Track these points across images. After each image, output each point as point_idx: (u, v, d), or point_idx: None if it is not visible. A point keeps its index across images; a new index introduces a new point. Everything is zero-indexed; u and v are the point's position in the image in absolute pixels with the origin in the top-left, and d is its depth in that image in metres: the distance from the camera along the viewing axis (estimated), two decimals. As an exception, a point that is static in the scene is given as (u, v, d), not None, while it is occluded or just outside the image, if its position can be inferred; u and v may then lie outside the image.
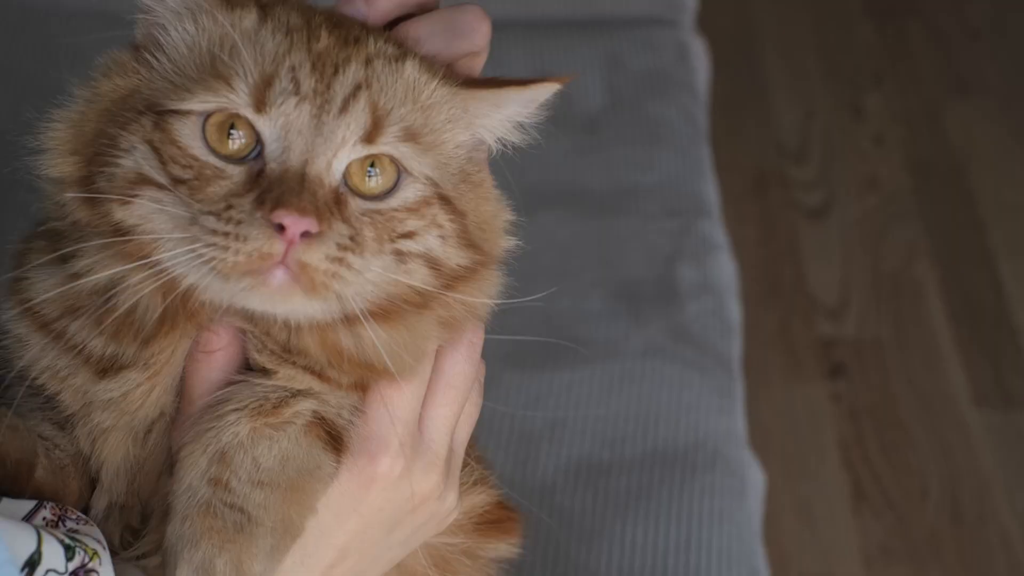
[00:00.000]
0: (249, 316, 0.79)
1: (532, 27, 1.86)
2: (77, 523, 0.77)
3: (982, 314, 2.46)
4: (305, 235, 0.73)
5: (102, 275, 0.76)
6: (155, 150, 0.76)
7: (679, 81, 1.84)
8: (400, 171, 0.77)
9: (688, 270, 1.60)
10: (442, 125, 0.80)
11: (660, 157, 1.73)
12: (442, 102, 0.80)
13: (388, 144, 0.77)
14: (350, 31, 0.79)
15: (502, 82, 0.81)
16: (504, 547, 0.94)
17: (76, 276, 0.77)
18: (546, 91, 0.81)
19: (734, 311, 1.62)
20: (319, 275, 0.74)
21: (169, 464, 0.80)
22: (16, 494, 0.77)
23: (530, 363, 1.45)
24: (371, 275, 0.76)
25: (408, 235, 0.77)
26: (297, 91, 0.75)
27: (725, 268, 1.64)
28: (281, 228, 0.72)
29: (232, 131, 0.75)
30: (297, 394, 0.79)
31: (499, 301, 0.83)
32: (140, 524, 0.83)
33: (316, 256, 0.73)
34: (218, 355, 0.79)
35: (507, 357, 1.43)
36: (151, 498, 0.82)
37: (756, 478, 1.47)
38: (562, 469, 1.37)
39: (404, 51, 0.80)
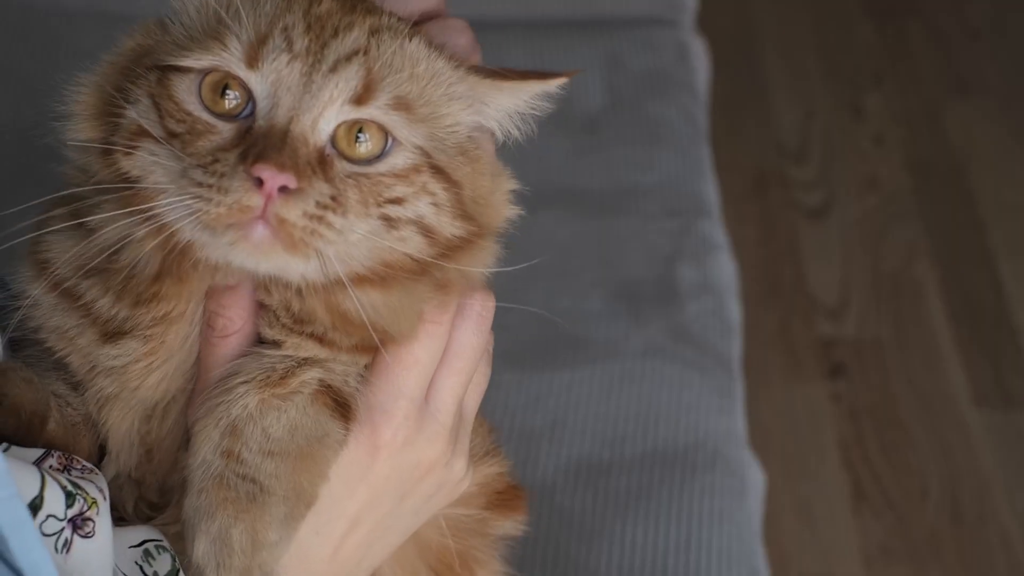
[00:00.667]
0: (261, 284, 0.80)
1: (532, 27, 1.86)
2: (83, 472, 0.79)
3: (982, 314, 2.46)
4: (284, 190, 0.74)
5: (112, 228, 0.78)
6: (155, 104, 0.78)
7: (679, 81, 1.84)
8: (389, 138, 0.78)
9: (688, 270, 1.60)
10: (441, 100, 0.81)
11: (660, 157, 1.73)
12: (444, 79, 0.81)
13: (378, 109, 0.78)
14: (361, 1, 0.81)
15: (512, 74, 0.82)
16: (511, 524, 0.95)
17: (91, 234, 0.79)
18: (553, 86, 0.82)
19: (734, 311, 1.62)
20: (297, 231, 0.75)
21: (186, 440, 0.81)
22: (29, 445, 0.79)
23: (530, 363, 1.45)
24: (355, 237, 0.77)
25: (396, 200, 0.78)
26: (290, 49, 0.77)
27: (725, 268, 1.64)
28: (260, 182, 0.74)
29: (227, 91, 0.77)
30: (303, 363, 0.80)
31: (494, 268, 0.84)
32: (159, 498, 0.84)
33: (294, 212, 0.74)
34: (232, 338, 0.80)
35: (507, 357, 1.43)
36: (171, 475, 0.84)
37: (756, 478, 1.47)
38: (562, 469, 1.37)
39: (415, 31, 0.82)
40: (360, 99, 0.77)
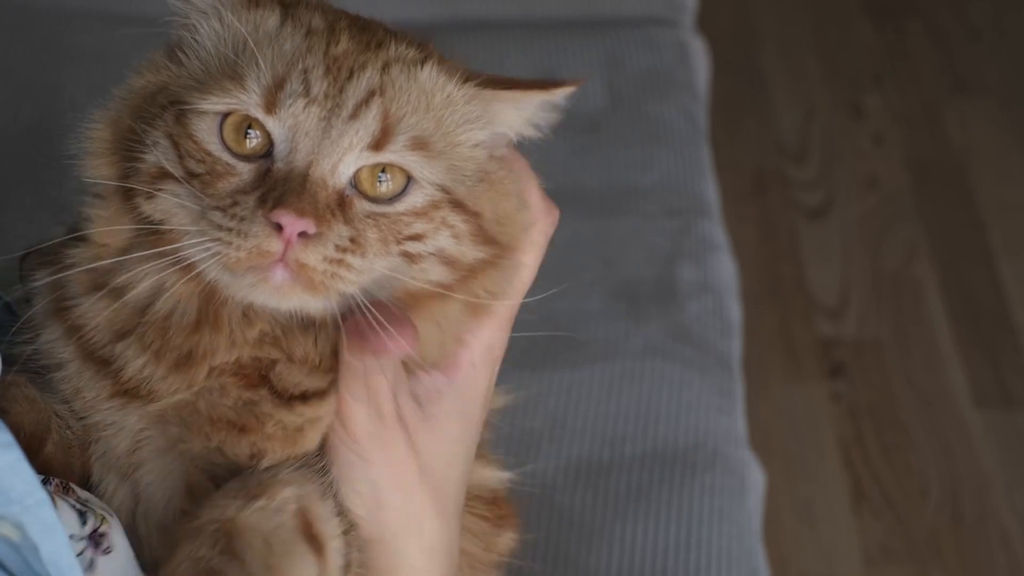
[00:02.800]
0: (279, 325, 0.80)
1: (532, 27, 1.86)
2: (79, 499, 0.78)
3: (982, 314, 2.46)
4: (303, 235, 0.74)
5: (144, 282, 0.78)
6: (175, 144, 0.78)
7: (679, 81, 1.84)
8: (409, 178, 0.78)
9: (688, 270, 1.60)
10: (457, 127, 0.81)
11: (660, 157, 1.73)
12: (458, 104, 0.81)
13: (395, 153, 0.78)
14: (373, 35, 0.81)
15: (521, 84, 0.82)
16: (508, 539, 0.95)
17: (120, 292, 0.79)
18: (563, 93, 0.83)
19: (734, 311, 1.62)
20: (317, 275, 0.75)
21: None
22: None
23: (530, 363, 1.45)
24: (376, 275, 0.77)
25: (415, 237, 0.78)
26: (307, 93, 0.76)
27: (725, 268, 1.64)
28: (279, 227, 0.74)
29: (249, 131, 0.77)
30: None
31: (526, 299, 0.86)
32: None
33: (313, 257, 0.75)
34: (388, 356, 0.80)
35: (506, 357, 1.43)
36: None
37: (756, 478, 1.47)
38: (562, 469, 1.37)
39: (425, 54, 0.81)
40: (379, 144, 0.77)
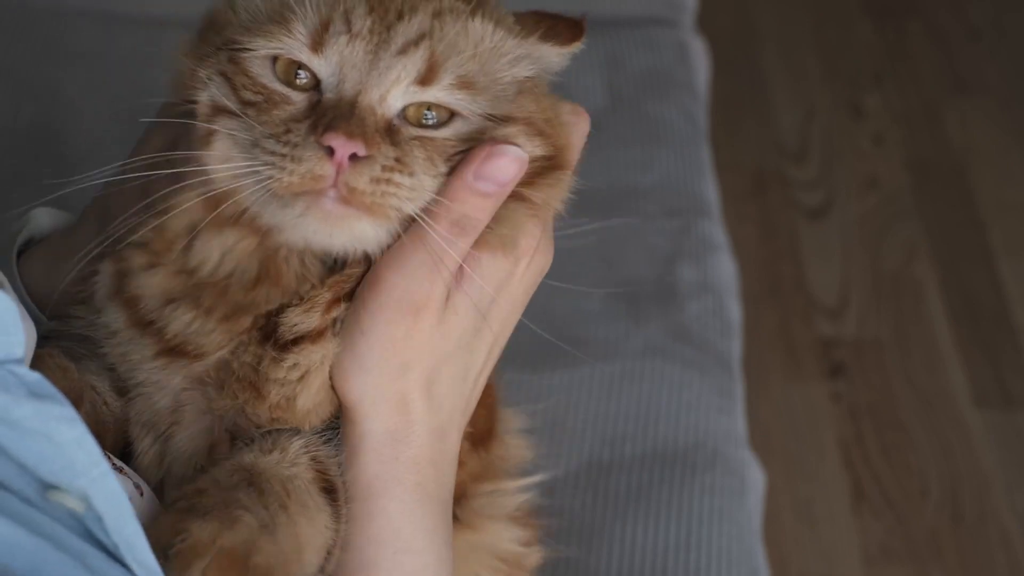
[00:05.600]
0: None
1: (532, 27, 1.86)
2: (115, 463, 0.80)
3: (982, 314, 2.46)
4: (353, 158, 0.76)
5: (213, 251, 0.81)
6: (227, 79, 0.81)
7: (679, 81, 1.84)
8: (454, 113, 0.81)
9: (688, 270, 1.60)
10: (503, 66, 0.84)
11: (660, 157, 1.73)
12: (506, 49, 0.84)
13: (442, 91, 0.80)
14: None
15: (563, 33, 0.88)
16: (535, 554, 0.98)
17: (181, 265, 0.83)
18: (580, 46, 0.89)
19: (734, 311, 1.61)
20: (367, 197, 0.77)
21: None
22: None
23: (530, 363, 1.45)
24: (428, 196, 0.80)
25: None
26: (349, 30, 0.79)
27: (725, 268, 1.64)
28: (331, 151, 0.76)
29: (299, 71, 0.80)
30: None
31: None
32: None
33: (362, 180, 0.77)
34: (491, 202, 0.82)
35: (506, 357, 1.43)
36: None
37: (756, 478, 1.47)
38: (562, 469, 1.37)
39: (477, 5, 0.84)
40: (425, 80, 0.80)
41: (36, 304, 0.94)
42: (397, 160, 0.78)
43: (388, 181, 0.77)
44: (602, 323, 1.52)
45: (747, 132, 2.78)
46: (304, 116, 0.78)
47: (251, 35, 0.81)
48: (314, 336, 0.82)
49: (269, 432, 0.82)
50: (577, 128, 0.89)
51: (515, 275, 0.86)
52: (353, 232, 0.79)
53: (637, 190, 1.68)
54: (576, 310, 1.53)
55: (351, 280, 0.83)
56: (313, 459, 0.81)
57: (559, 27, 0.88)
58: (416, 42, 0.80)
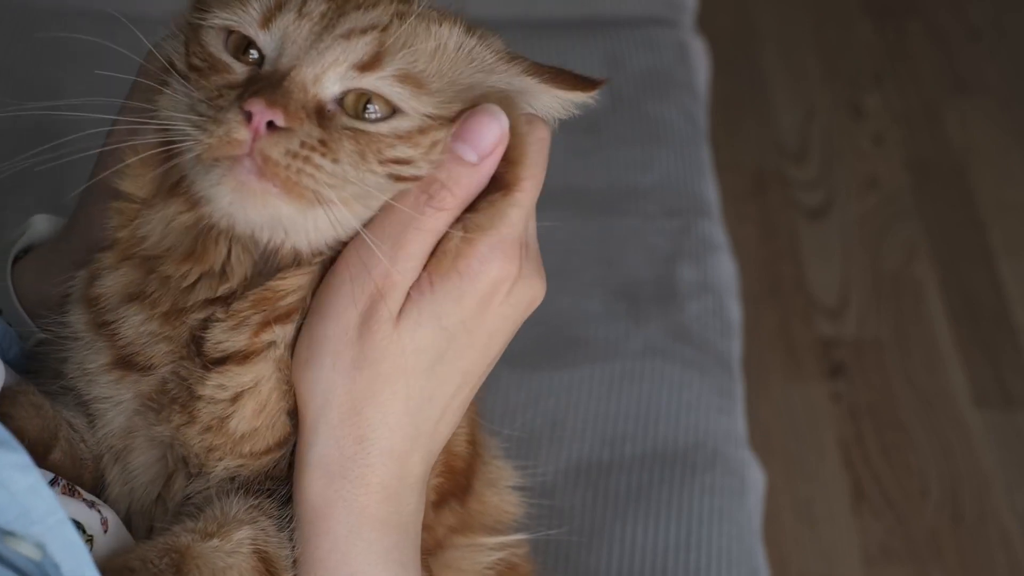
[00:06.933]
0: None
1: (532, 27, 1.86)
2: (86, 503, 0.79)
3: (982, 314, 2.46)
4: (272, 127, 0.74)
5: (157, 224, 0.80)
6: (185, 43, 0.81)
7: (679, 81, 1.84)
8: (394, 108, 0.79)
9: (688, 270, 1.60)
10: (468, 73, 0.81)
11: (660, 157, 1.73)
12: (480, 59, 0.82)
13: (382, 80, 0.78)
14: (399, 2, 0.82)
15: (556, 77, 0.84)
16: None
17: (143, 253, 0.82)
18: (583, 96, 0.86)
19: (734, 311, 1.61)
20: (280, 170, 0.75)
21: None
22: None
23: (530, 363, 1.45)
24: (360, 189, 0.77)
25: (400, 161, 0.78)
26: (300, 11, 0.78)
27: (725, 268, 1.64)
28: (250, 116, 0.74)
29: (249, 49, 0.80)
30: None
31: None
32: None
33: (277, 149, 0.75)
34: (443, 215, 0.79)
35: (507, 357, 1.43)
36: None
37: (756, 478, 1.47)
38: (562, 469, 1.37)
39: (455, 18, 0.83)
40: (365, 67, 0.78)
41: (28, 314, 0.92)
42: (321, 142, 0.75)
43: (306, 159, 0.75)
44: (602, 323, 1.53)
45: (747, 132, 2.78)
46: (240, 86, 0.77)
47: (213, 11, 0.81)
48: (240, 358, 0.79)
49: (218, 501, 0.79)
50: (532, 138, 0.82)
51: (488, 306, 0.81)
52: (267, 210, 0.76)
53: (637, 190, 1.68)
54: (576, 310, 1.53)
55: (277, 297, 0.80)
56: (257, 551, 0.77)
57: (569, 78, 0.85)
58: (364, 30, 0.78)
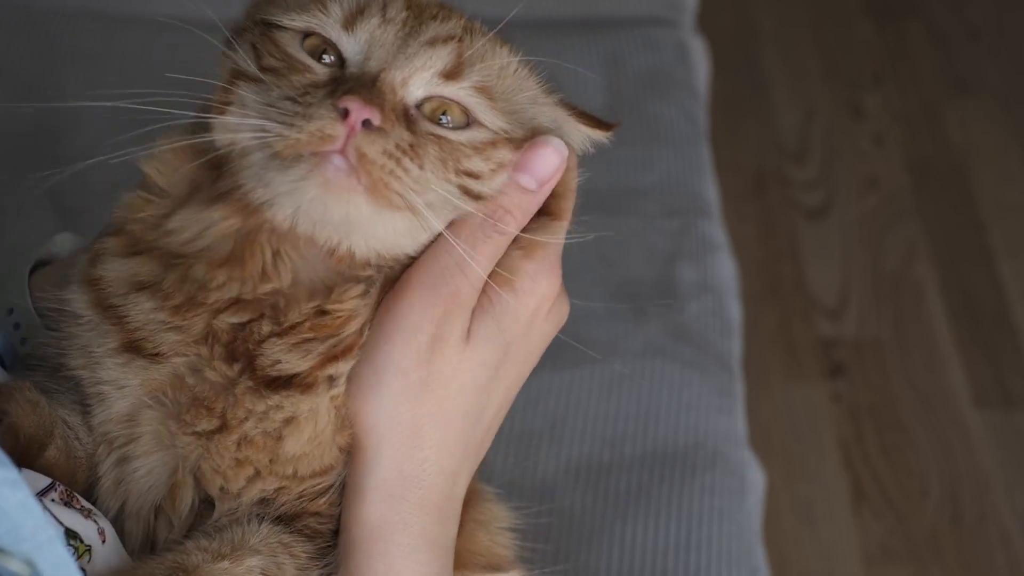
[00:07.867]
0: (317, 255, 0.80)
1: (532, 27, 1.86)
2: (82, 512, 0.79)
3: (982, 314, 2.46)
4: (367, 126, 0.75)
5: (194, 226, 0.80)
6: (254, 49, 0.80)
7: (679, 81, 1.84)
8: (470, 119, 0.81)
9: (688, 270, 1.60)
10: (523, 102, 0.84)
11: (660, 157, 1.73)
12: (527, 88, 0.84)
13: (464, 90, 0.80)
14: (463, 16, 0.85)
15: (586, 118, 0.87)
16: None
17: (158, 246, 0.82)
18: (602, 135, 0.89)
19: (734, 311, 1.61)
20: (376, 169, 0.75)
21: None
22: (24, 467, 0.78)
23: (530, 363, 1.45)
24: (435, 196, 0.78)
25: (472, 175, 0.80)
26: (383, 16, 0.80)
27: (725, 268, 1.64)
28: (346, 113, 0.75)
29: (324, 54, 0.80)
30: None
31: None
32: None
33: (374, 148, 0.75)
34: (500, 239, 0.83)
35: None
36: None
37: (756, 478, 1.47)
38: (562, 469, 1.37)
39: (508, 44, 0.85)
40: (450, 74, 0.80)
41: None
42: (411, 146, 0.77)
43: (398, 161, 0.76)
44: (602, 323, 1.52)
45: (747, 132, 2.78)
46: (324, 85, 0.77)
47: (286, 11, 0.81)
48: (303, 386, 0.79)
49: (233, 525, 0.79)
50: (573, 173, 0.88)
51: (534, 322, 0.84)
52: (348, 209, 0.76)
53: (637, 190, 1.68)
54: (576, 310, 1.53)
55: (337, 323, 0.80)
56: None
57: (591, 117, 0.88)
58: (446, 40, 0.80)
